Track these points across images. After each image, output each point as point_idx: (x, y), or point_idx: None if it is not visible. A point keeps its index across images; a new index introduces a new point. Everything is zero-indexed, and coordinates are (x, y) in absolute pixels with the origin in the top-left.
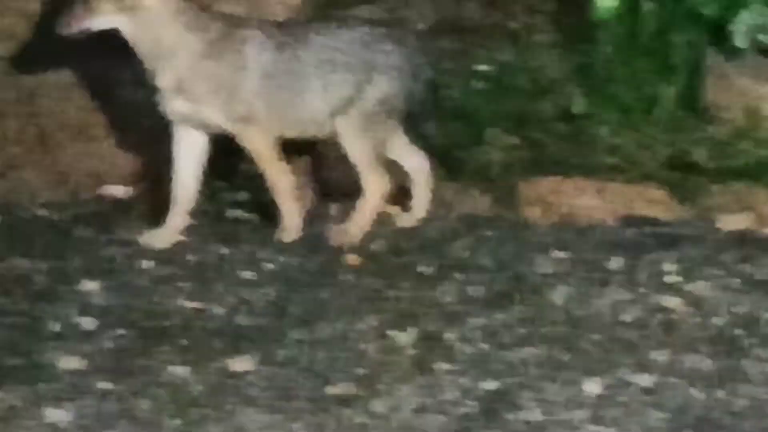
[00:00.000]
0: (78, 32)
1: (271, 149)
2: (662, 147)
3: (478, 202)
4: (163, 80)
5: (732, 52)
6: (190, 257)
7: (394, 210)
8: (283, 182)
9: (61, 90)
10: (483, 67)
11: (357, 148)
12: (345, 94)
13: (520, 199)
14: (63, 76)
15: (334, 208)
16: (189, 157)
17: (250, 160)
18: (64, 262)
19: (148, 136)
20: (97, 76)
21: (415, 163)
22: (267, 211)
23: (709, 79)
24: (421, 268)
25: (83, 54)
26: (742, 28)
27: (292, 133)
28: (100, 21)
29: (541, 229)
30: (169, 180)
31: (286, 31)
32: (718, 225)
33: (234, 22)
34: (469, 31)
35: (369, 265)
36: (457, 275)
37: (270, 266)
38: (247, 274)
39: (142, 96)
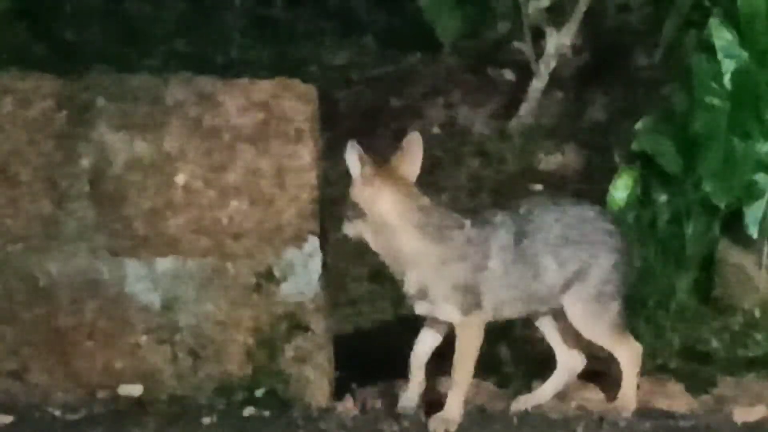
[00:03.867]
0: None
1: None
2: (676, 337)
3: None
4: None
5: (746, 242)
6: None
7: None
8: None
9: (75, 290)
10: None
11: (590, 328)
12: (573, 269)
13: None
14: (77, 276)
15: None
16: None
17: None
18: None
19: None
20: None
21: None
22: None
23: (722, 269)
24: None
25: None
26: (755, 218)
27: (516, 313)
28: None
29: (557, 421)
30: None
31: (521, 217)
32: (734, 417)
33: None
34: None
35: None
36: None
37: None
38: None
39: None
